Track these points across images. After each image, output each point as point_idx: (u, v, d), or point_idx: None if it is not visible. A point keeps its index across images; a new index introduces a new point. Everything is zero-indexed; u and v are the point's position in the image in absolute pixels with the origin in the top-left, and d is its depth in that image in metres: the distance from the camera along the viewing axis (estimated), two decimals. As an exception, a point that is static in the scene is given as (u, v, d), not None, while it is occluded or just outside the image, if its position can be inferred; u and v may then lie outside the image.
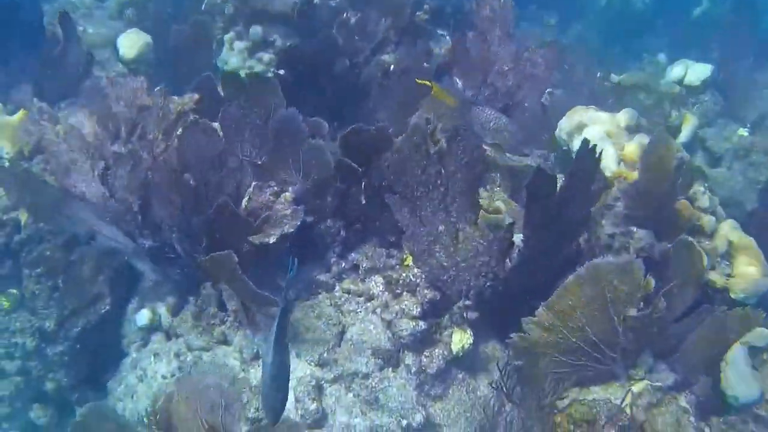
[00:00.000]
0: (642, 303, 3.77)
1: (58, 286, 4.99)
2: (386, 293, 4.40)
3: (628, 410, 3.88)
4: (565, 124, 5.26)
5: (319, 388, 4.19)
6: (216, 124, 4.59)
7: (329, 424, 4.13)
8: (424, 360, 4.22)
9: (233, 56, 6.81)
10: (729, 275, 4.48)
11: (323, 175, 4.50)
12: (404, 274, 4.37)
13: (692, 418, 3.90)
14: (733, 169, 6.74)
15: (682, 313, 4.16)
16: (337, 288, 4.56)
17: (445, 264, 4.25)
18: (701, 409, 4.00)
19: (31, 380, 5.08)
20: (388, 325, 4.28)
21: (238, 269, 3.91)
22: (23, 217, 4.97)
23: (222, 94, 4.88)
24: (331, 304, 4.48)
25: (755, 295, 4.40)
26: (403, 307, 4.27)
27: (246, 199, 4.58)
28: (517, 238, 4.18)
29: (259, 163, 4.66)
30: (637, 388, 4.04)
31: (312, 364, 4.27)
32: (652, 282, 3.76)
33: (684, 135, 6.71)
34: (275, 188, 4.57)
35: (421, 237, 4.24)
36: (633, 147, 4.75)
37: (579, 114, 5.21)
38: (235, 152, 4.60)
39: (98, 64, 6.62)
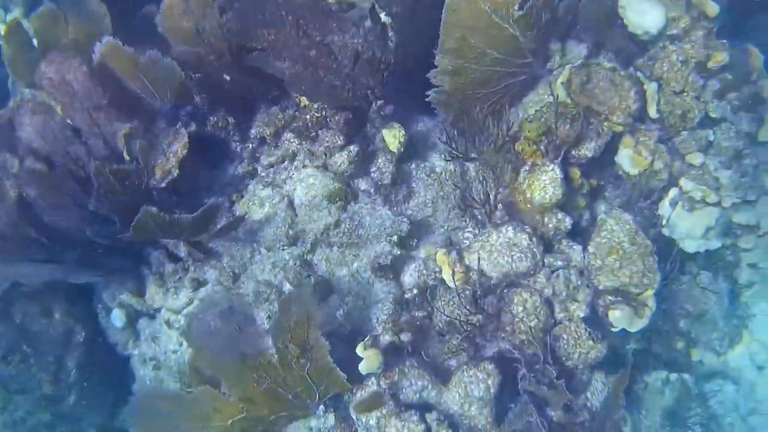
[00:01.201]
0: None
1: (26, 353, 4.70)
2: (304, 143, 4.20)
3: (562, 96, 3.87)
4: None
5: (305, 263, 4.09)
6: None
7: (333, 283, 4.07)
8: (375, 175, 4.11)
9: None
10: None
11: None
12: (307, 117, 4.14)
13: (622, 72, 3.90)
14: None
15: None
16: (259, 168, 4.33)
17: (337, 82, 4.01)
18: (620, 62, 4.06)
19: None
20: (325, 167, 4.12)
21: (163, 216, 3.67)
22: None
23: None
24: (264, 186, 4.27)
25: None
26: (327, 144, 4.09)
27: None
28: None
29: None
30: (563, 76, 4.00)
31: (284, 247, 4.13)
32: None
33: None
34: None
35: (301, 73, 3.97)
36: None
37: None
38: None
39: None
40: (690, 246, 4.15)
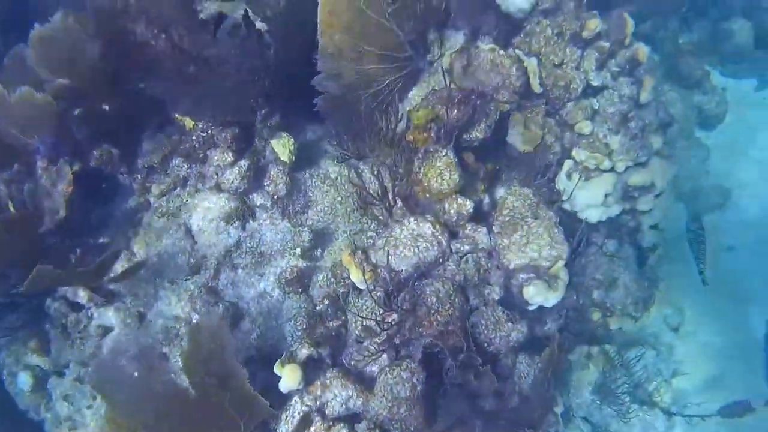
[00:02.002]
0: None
1: None
2: (194, 166, 4.05)
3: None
4: None
5: (211, 291, 3.92)
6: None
7: (242, 307, 3.91)
8: (270, 189, 3.98)
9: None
10: None
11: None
12: (193, 138, 3.99)
13: (501, 51, 3.93)
14: None
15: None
16: (152, 199, 4.15)
17: (219, 96, 3.89)
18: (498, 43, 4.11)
19: None
20: (218, 188, 3.97)
21: (56, 272, 3.45)
22: None
23: None
24: (159, 217, 4.09)
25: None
26: (217, 163, 3.95)
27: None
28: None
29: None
30: (444, 62, 4.00)
31: (188, 277, 3.96)
32: None
33: None
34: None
35: (181, 92, 3.83)
36: None
37: None
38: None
39: None
40: (592, 215, 4.20)
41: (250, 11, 3.81)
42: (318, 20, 3.66)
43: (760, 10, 6.38)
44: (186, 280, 3.98)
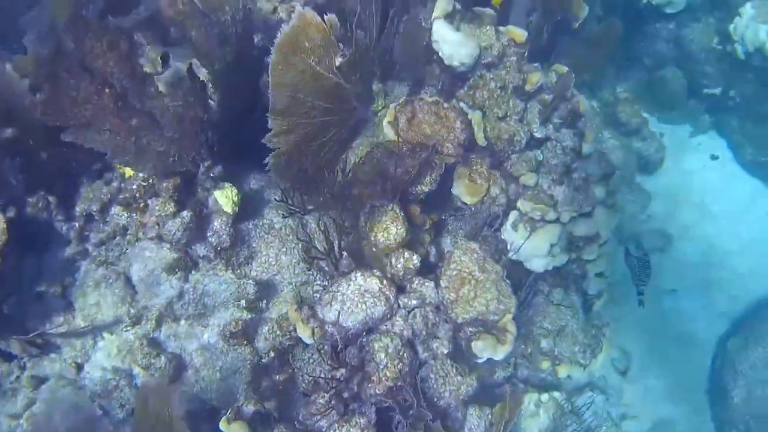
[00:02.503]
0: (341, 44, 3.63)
1: None
2: (134, 215, 3.93)
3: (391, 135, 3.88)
4: None
5: (152, 342, 3.81)
6: None
7: (185, 359, 3.81)
8: (213, 240, 3.89)
9: None
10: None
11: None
12: (134, 187, 3.89)
13: (445, 104, 3.96)
14: None
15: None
16: (90, 248, 4.01)
17: (161, 148, 3.80)
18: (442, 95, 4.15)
19: None
20: (159, 238, 3.87)
21: None
22: None
23: None
24: (98, 266, 3.95)
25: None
26: (158, 213, 3.84)
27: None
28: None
29: None
30: (389, 115, 4.02)
31: (128, 328, 3.83)
32: (335, 21, 3.60)
33: None
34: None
35: (124, 144, 3.73)
36: None
37: None
38: None
39: None
40: (538, 265, 4.23)
41: (196, 62, 3.77)
42: (269, 77, 3.61)
43: (692, 60, 6.65)
44: (126, 330, 3.86)
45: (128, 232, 3.99)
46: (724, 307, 5.83)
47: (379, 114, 4.15)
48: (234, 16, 3.74)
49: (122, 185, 3.99)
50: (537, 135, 4.20)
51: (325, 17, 3.65)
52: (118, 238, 4.02)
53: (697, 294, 5.84)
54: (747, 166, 6.57)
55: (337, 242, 3.80)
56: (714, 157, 6.73)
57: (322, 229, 3.84)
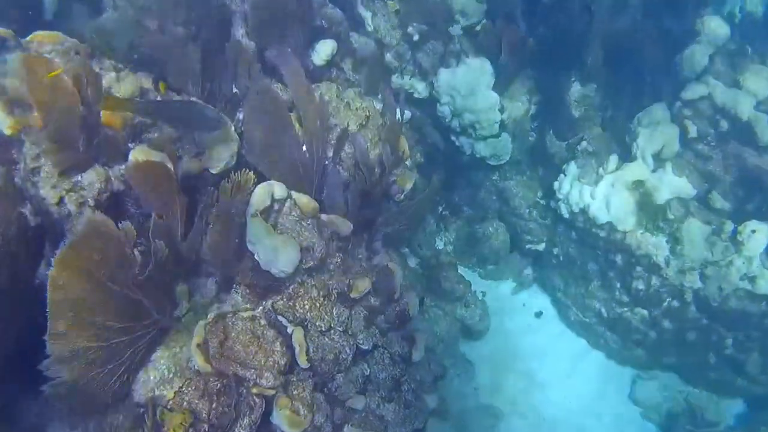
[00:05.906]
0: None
1: None
2: None
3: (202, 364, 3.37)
4: None
5: None
6: None
7: None
8: None
9: None
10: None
11: None
12: None
13: (262, 321, 3.57)
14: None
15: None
16: None
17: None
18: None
19: None
20: None
21: None
22: None
23: None
24: None
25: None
26: None
27: None
28: None
29: None
30: (197, 337, 3.51)
31: None
32: (132, 231, 3.19)
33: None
34: None
35: None
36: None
37: None
38: None
39: None
40: (371, 492, 3.79)
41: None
42: (48, 298, 2.99)
43: (515, 215, 6.66)
44: None
45: None
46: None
47: (183, 320, 3.61)
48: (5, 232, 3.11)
49: None
50: (363, 347, 3.84)
51: (120, 226, 3.17)
52: None
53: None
54: (572, 325, 6.53)
55: None
56: (538, 314, 6.72)
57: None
